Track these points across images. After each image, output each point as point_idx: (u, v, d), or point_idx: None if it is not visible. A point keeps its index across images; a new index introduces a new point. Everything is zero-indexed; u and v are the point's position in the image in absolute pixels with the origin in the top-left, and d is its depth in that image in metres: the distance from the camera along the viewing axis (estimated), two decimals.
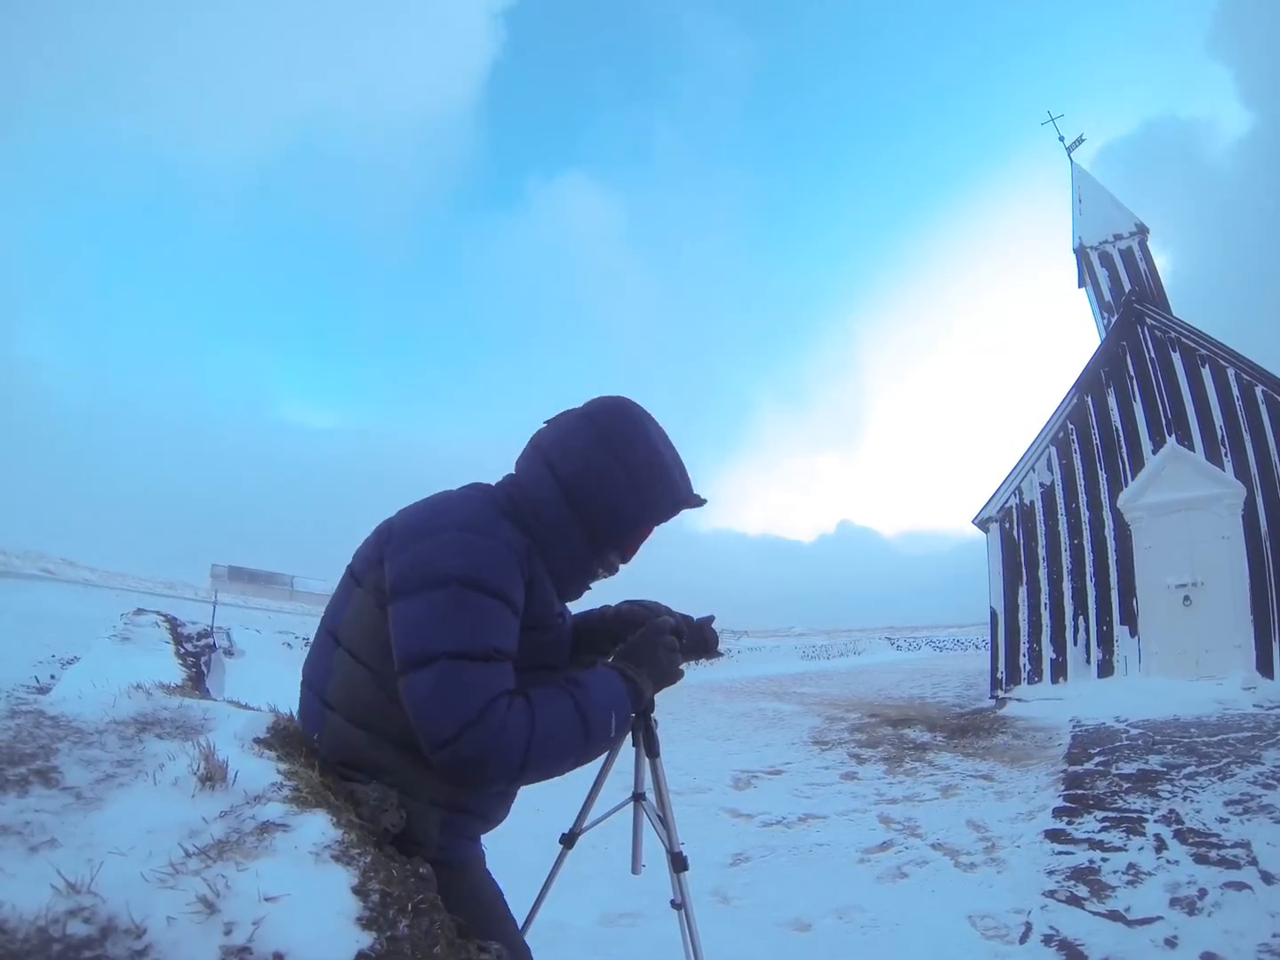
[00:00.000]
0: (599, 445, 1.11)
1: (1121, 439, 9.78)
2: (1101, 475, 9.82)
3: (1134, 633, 9.18)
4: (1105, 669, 9.26)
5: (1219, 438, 9.06)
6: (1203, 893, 2.86)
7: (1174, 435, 9.35)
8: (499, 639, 0.96)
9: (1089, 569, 9.66)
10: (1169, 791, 4.39)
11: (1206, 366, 9.34)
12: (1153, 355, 9.82)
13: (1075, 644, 9.55)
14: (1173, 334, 9.72)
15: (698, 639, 1.34)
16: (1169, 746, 5.73)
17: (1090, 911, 2.81)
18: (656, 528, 1.22)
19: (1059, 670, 9.53)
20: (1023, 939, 2.66)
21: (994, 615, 10.24)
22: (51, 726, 0.88)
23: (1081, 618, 9.59)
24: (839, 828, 4.39)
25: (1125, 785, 4.65)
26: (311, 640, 1.15)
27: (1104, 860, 3.32)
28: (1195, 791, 4.33)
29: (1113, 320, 10.50)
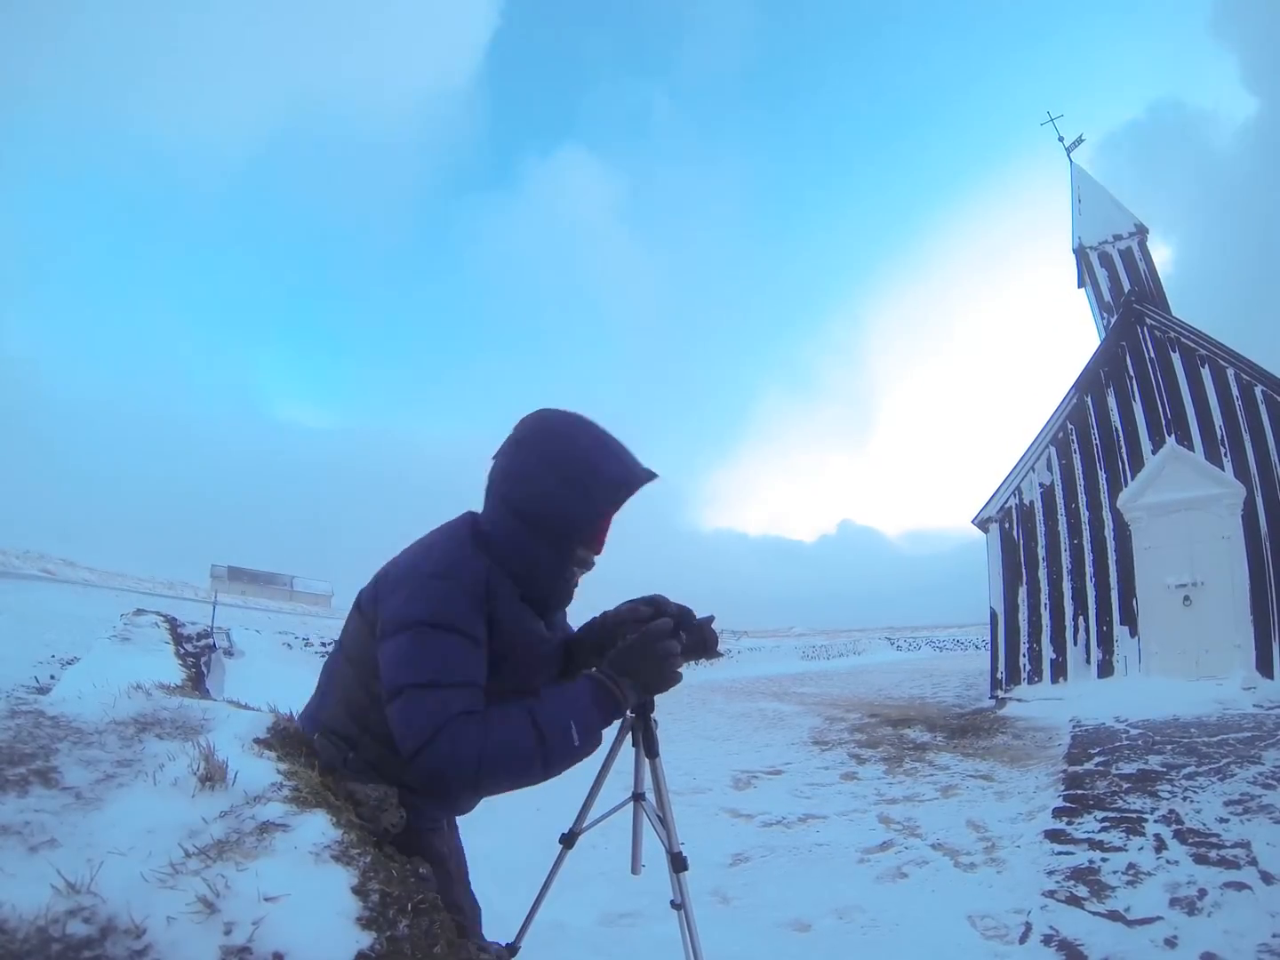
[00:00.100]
0: (531, 465, 1.22)
1: (1121, 439, 9.79)
2: (1101, 475, 9.83)
3: (1134, 633, 9.18)
4: (1105, 669, 9.27)
5: (1219, 438, 9.06)
6: (1202, 893, 2.86)
7: (1174, 435, 9.35)
8: (456, 670, 1.10)
9: (1089, 569, 9.67)
10: (1169, 791, 4.39)
11: (1206, 366, 9.35)
12: (1152, 355, 9.82)
13: (1075, 644, 9.55)
14: (1172, 334, 9.72)
15: (698, 639, 1.34)
16: (1169, 746, 5.74)
17: (1090, 911, 2.81)
18: (616, 513, 1.28)
19: (1059, 670, 9.53)
20: (1022, 939, 2.66)
21: (994, 615, 10.24)
22: (51, 726, 0.88)
23: (1081, 618, 9.60)
24: (839, 828, 4.39)
25: (1125, 785, 4.65)
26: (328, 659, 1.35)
27: (1104, 860, 3.32)
28: (1195, 791, 4.33)
29: (1112, 320, 10.50)
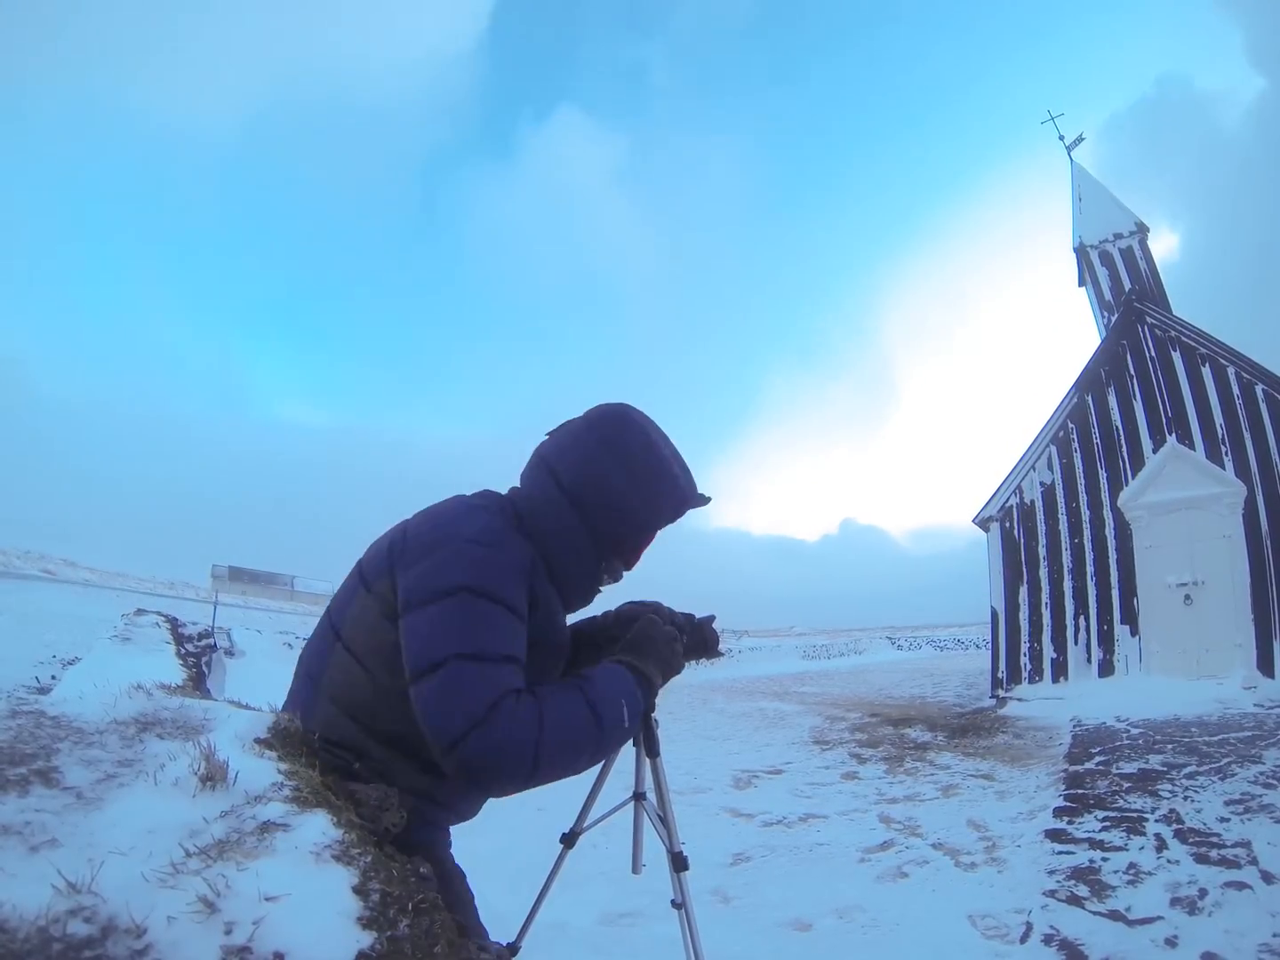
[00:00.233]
0: (602, 452, 1.13)
1: (1122, 438, 9.78)
2: (1102, 474, 9.82)
3: (1134, 632, 9.18)
4: (1106, 668, 9.26)
5: (1219, 436, 9.06)
6: (1203, 892, 2.86)
7: (1174, 434, 9.34)
8: (506, 644, 0.98)
9: (1089, 568, 9.66)
10: (1169, 791, 4.39)
11: (1207, 365, 9.34)
12: (1153, 354, 9.82)
13: (1076, 643, 9.55)
14: (1173, 333, 9.71)
15: (698, 639, 1.35)
16: (1169, 746, 5.73)
17: (1091, 911, 2.81)
18: (661, 531, 1.23)
19: (1059, 670, 9.53)
20: (1023, 939, 2.66)
21: (994, 615, 10.24)
22: (52, 726, 0.88)
23: (1082, 617, 9.59)
24: (839, 827, 4.39)
25: (1126, 785, 4.65)
26: (314, 629, 1.18)
27: (1104, 860, 3.32)
28: (1196, 791, 4.33)
29: (1113, 319, 10.50)
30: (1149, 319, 9.98)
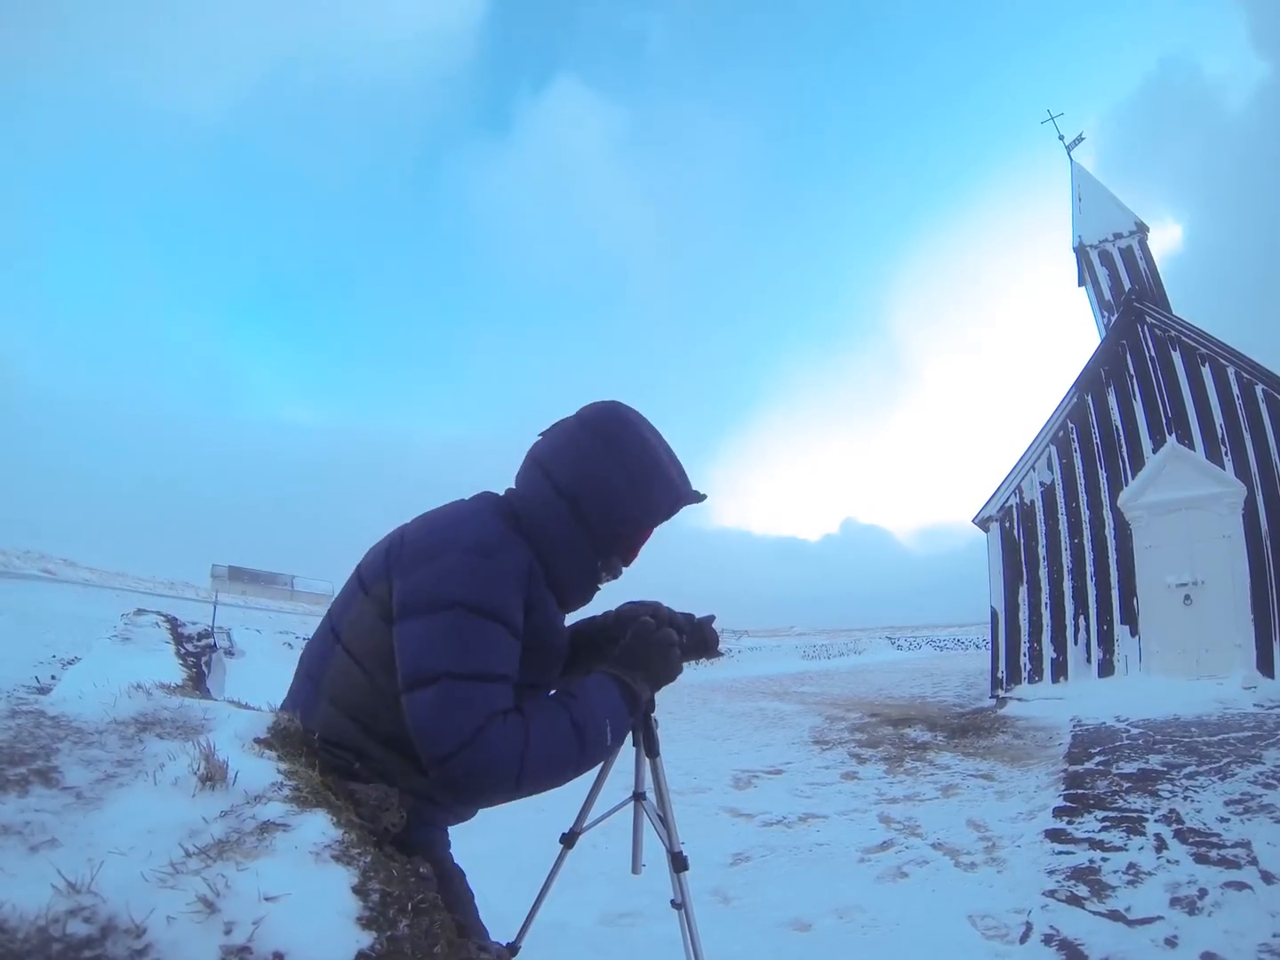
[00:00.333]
0: (596, 451, 1.14)
1: (1122, 438, 9.78)
2: (1102, 474, 9.82)
3: (1134, 632, 9.18)
4: (1106, 668, 9.26)
5: (1219, 436, 9.06)
6: (1203, 892, 2.86)
7: (1174, 434, 9.35)
8: (499, 662, 1.00)
9: (1089, 568, 9.66)
10: (1169, 791, 4.39)
11: (1207, 365, 9.34)
12: (1153, 354, 9.82)
13: (1076, 643, 9.55)
14: (1173, 333, 9.72)
15: (698, 639, 1.35)
16: (1169, 746, 5.74)
17: (1090, 911, 2.81)
18: (657, 528, 1.24)
19: (1059, 670, 9.53)
20: (1023, 939, 2.66)
21: (994, 614, 10.24)
22: (52, 726, 0.88)
23: (1082, 617, 9.60)
24: (839, 827, 4.39)
25: (1125, 785, 4.65)
26: (315, 630, 1.20)
27: (1104, 860, 3.32)
28: (1196, 791, 4.33)
29: (1113, 319, 10.50)
30: (1149, 319, 9.99)
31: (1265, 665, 8.27)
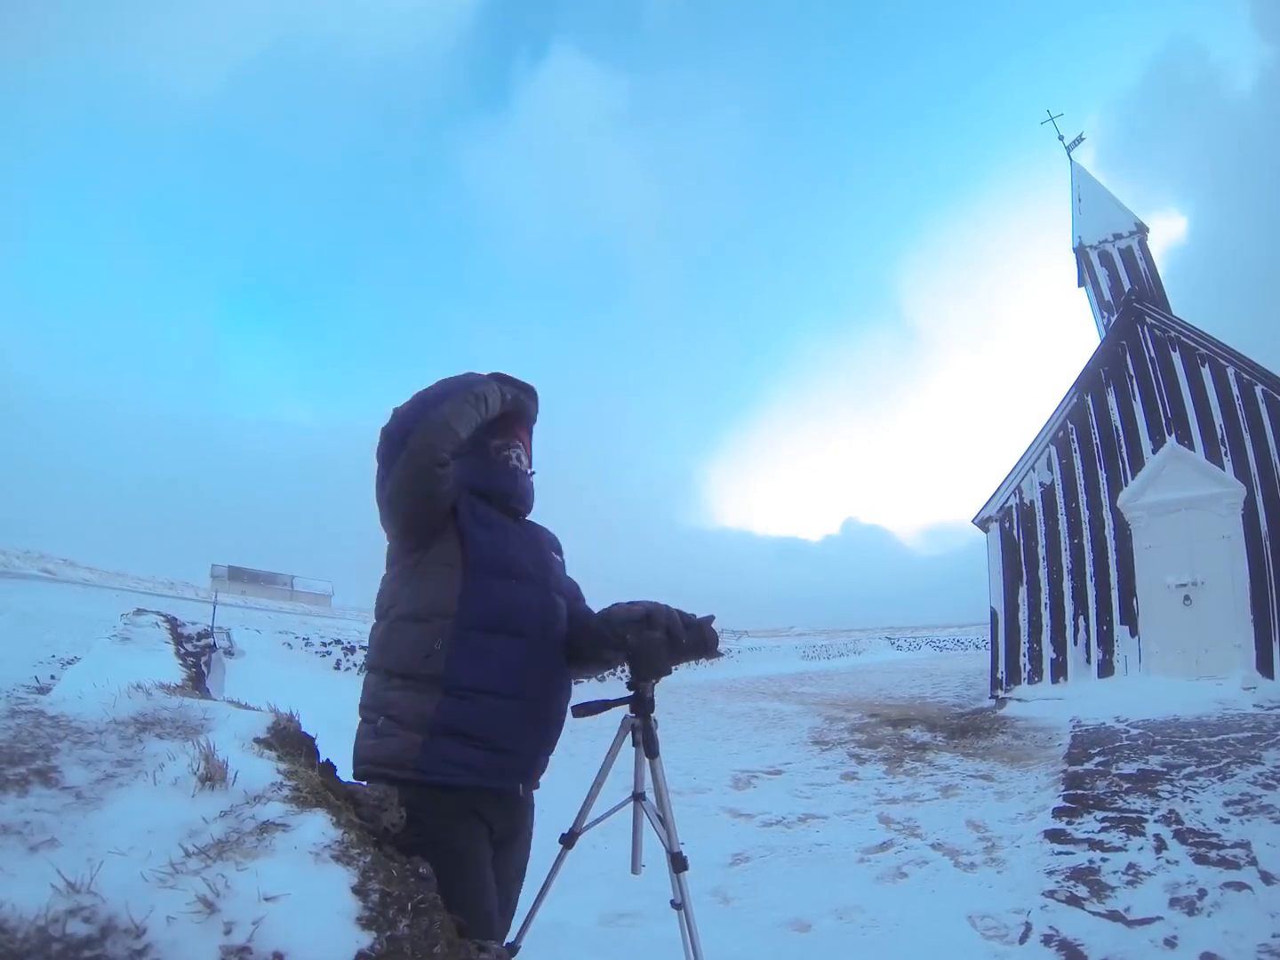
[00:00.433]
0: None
1: (1121, 438, 9.78)
2: (1101, 475, 9.82)
3: (1134, 632, 9.18)
4: (1105, 669, 9.26)
5: (1219, 437, 9.06)
6: (1202, 893, 2.86)
7: (1174, 434, 9.35)
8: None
9: (1089, 568, 9.66)
10: (1169, 791, 4.39)
11: (1206, 366, 9.34)
12: (1153, 354, 9.82)
13: (1075, 644, 9.55)
14: (1172, 333, 9.72)
15: (697, 639, 1.35)
16: (1169, 746, 5.73)
17: (1090, 911, 2.81)
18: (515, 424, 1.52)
19: (1059, 670, 9.53)
20: (1022, 939, 2.66)
21: (994, 615, 10.24)
22: (51, 726, 0.88)
23: (1081, 617, 9.59)
24: (839, 828, 4.39)
25: (1125, 785, 4.65)
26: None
27: (1104, 860, 3.32)
28: (1195, 791, 4.33)
29: (1112, 319, 10.50)
30: (1148, 319, 9.99)
31: (1265, 666, 8.27)
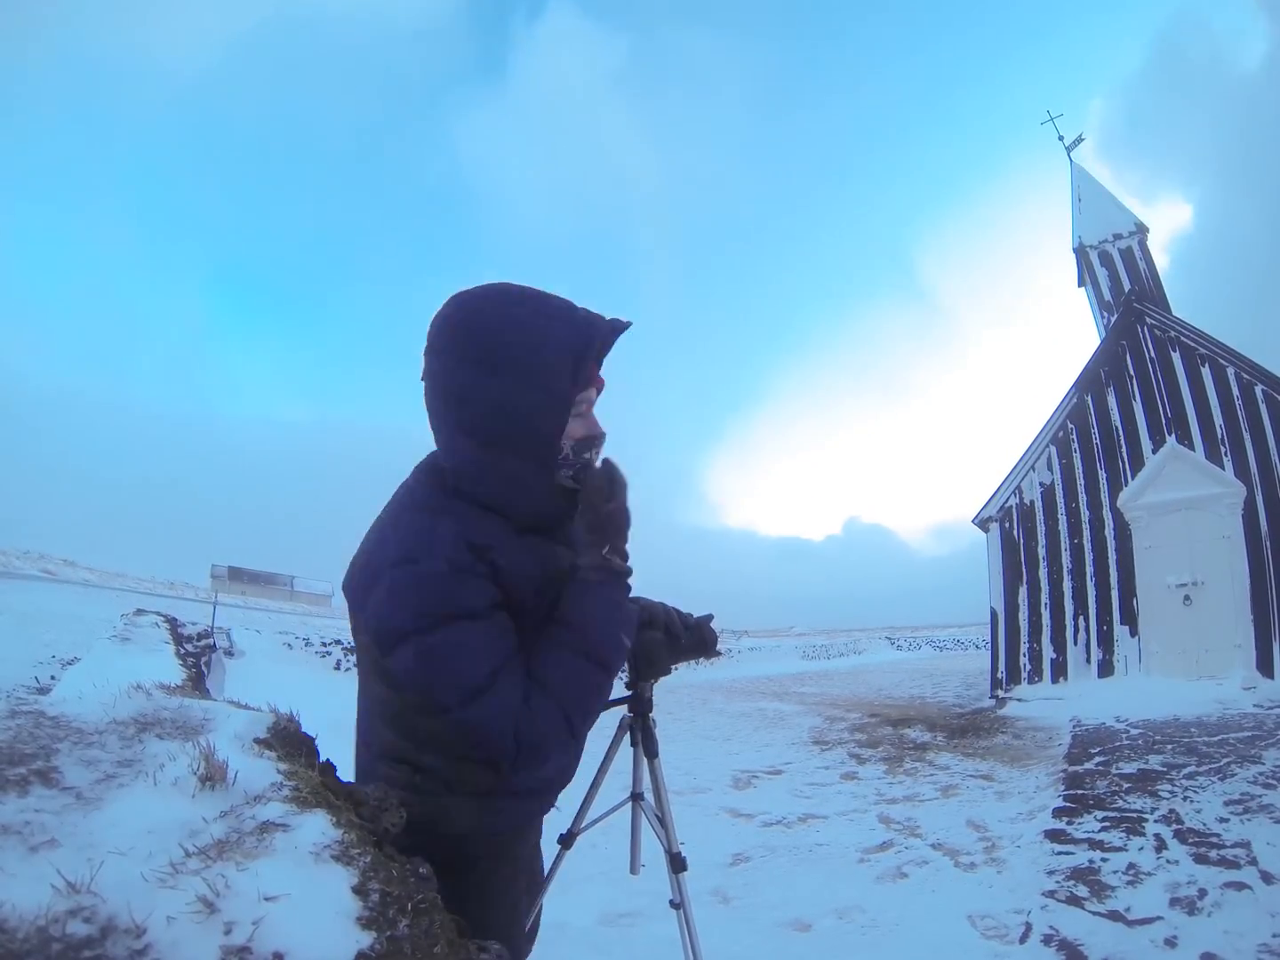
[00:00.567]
0: (461, 373, 0.95)
1: (1121, 438, 9.79)
2: (1101, 475, 9.83)
3: (1134, 632, 9.18)
4: (1105, 669, 9.27)
5: (1219, 437, 9.06)
6: (1203, 893, 2.86)
7: (1174, 435, 9.35)
8: (484, 658, 0.92)
9: (1089, 569, 9.67)
10: (1169, 791, 4.39)
11: (1206, 366, 9.35)
12: (1153, 354, 9.82)
13: (1075, 644, 9.55)
14: (1172, 333, 9.72)
15: (697, 638, 1.35)
16: (1169, 746, 5.74)
17: (1090, 911, 2.81)
18: (601, 368, 1.02)
19: (1059, 670, 9.53)
20: (1023, 939, 2.66)
21: (994, 615, 10.24)
22: (52, 727, 0.88)
23: (1082, 617, 9.60)
24: (839, 828, 4.39)
25: (1125, 785, 4.65)
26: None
27: (1104, 860, 3.32)
28: (1195, 791, 4.33)
29: (1112, 320, 10.50)
30: (1148, 319, 9.99)
31: (1265, 666, 8.28)
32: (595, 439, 1.04)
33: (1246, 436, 8.88)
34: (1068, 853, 3.48)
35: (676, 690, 13.59)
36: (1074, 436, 10.17)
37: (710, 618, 1.40)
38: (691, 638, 1.34)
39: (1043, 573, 9.99)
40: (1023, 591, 10.08)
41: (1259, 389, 8.93)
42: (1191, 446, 9.21)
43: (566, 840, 1.54)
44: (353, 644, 1.10)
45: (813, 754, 6.84)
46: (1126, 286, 10.59)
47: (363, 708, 1.09)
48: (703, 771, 6.11)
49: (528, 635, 0.98)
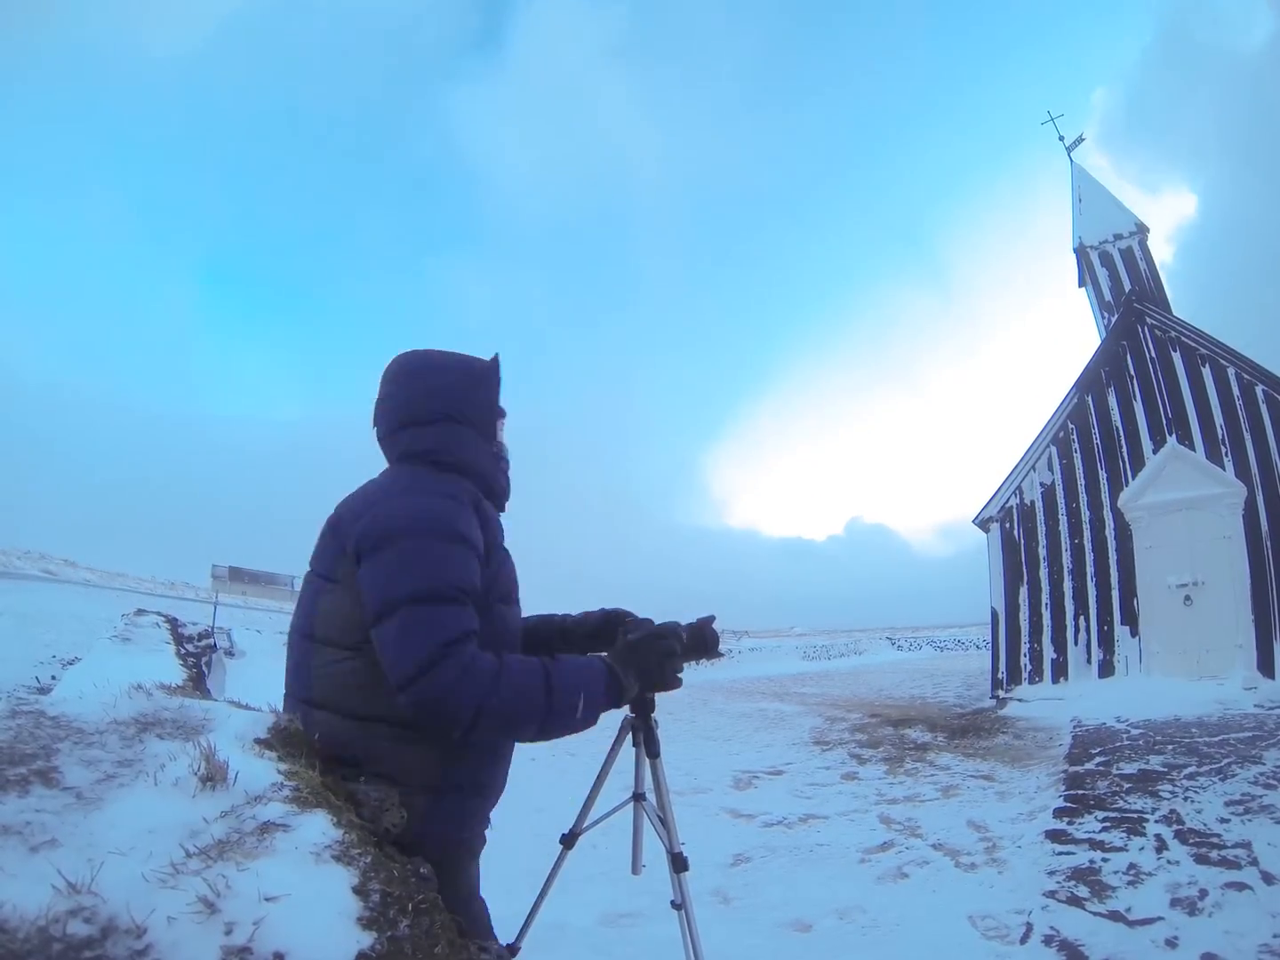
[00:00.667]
0: (429, 377, 1.26)
1: (1122, 438, 9.78)
2: (1102, 475, 9.82)
3: (1135, 632, 9.18)
4: (1106, 669, 9.26)
5: (1219, 437, 9.06)
6: (1203, 893, 2.86)
7: (1174, 435, 9.34)
8: (457, 577, 1.03)
9: (1089, 569, 9.66)
10: (1170, 792, 4.39)
11: (1207, 366, 9.34)
12: (1153, 354, 9.82)
13: (1076, 644, 9.54)
14: (1173, 333, 9.72)
15: (698, 640, 1.36)
16: (1170, 746, 5.73)
17: (1091, 912, 2.80)
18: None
19: (1060, 670, 9.53)
20: (1023, 939, 2.66)
21: (995, 615, 10.24)
22: (52, 726, 0.88)
23: (1082, 617, 9.59)
24: (840, 828, 4.39)
25: (1126, 785, 4.65)
26: (287, 656, 1.20)
27: (1104, 860, 3.32)
28: (1196, 792, 4.33)
29: (1113, 320, 10.50)
30: (1149, 319, 9.99)
31: (1265, 666, 8.27)
32: (502, 443, 1.35)
33: (1247, 436, 8.87)
34: (1068, 853, 3.48)
35: (677, 691, 13.56)
36: (1074, 436, 10.17)
37: (711, 619, 1.40)
38: (693, 639, 1.34)
39: (1043, 573, 9.99)
40: (1023, 591, 10.07)
41: (1260, 389, 8.92)
42: (1192, 446, 9.20)
43: (568, 840, 1.54)
44: None
45: (813, 754, 6.84)
46: (1127, 286, 10.59)
47: (302, 682, 1.14)
48: (703, 772, 6.11)
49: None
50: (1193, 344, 9.50)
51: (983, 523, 10.57)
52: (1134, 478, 9.52)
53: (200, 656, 8.08)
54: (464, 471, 1.22)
